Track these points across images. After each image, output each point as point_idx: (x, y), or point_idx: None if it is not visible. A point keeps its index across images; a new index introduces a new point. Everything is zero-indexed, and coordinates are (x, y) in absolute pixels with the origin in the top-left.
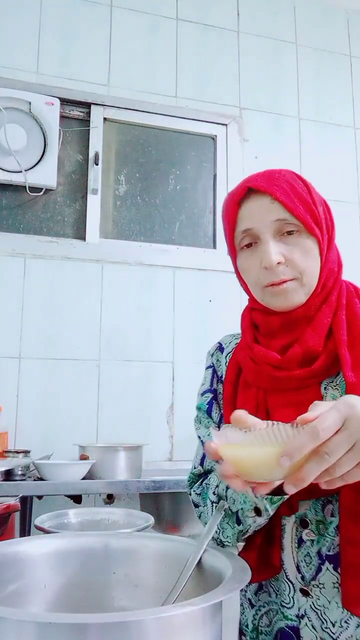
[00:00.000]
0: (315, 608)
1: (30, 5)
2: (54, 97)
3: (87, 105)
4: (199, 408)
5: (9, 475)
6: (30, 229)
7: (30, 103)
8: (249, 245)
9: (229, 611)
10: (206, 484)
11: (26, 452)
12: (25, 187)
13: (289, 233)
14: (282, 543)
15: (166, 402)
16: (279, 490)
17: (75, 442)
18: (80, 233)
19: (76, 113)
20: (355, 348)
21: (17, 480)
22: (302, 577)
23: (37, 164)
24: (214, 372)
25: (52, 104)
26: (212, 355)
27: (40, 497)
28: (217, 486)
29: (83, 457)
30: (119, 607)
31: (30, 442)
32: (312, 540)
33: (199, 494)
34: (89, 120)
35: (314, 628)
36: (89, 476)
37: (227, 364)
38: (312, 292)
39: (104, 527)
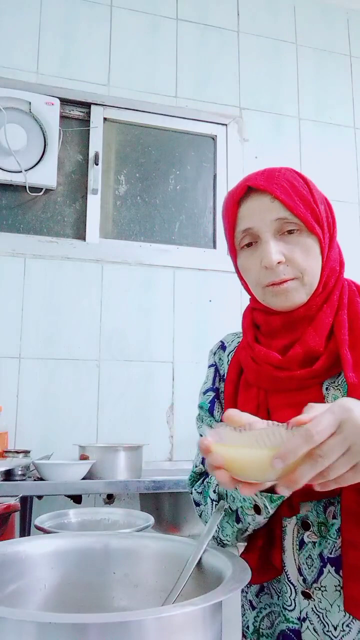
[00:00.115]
0: (317, 611)
1: (30, 5)
2: (54, 97)
3: (87, 105)
4: (200, 407)
5: (9, 475)
6: (30, 229)
7: (30, 103)
8: (249, 245)
9: (229, 611)
10: (207, 482)
11: (26, 452)
12: (25, 187)
13: (290, 232)
14: (283, 544)
15: (166, 402)
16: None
17: (75, 442)
18: (80, 233)
19: (76, 113)
20: (357, 348)
21: (17, 480)
22: (304, 580)
23: (37, 164)
24: (216, 370)
25: (52, 104)
26: (215, 353)
27: (40, 497)
28: (217, 484)
29: (83, 457)
30: (119, 607)
31: (30, 442)
32: (314, 542)
33: (200, 493)
34: (89, 120)
35: (315, 631)
36: (89, 476)
37: (229, 362)
38: (314, 292)
39: (104, 527)
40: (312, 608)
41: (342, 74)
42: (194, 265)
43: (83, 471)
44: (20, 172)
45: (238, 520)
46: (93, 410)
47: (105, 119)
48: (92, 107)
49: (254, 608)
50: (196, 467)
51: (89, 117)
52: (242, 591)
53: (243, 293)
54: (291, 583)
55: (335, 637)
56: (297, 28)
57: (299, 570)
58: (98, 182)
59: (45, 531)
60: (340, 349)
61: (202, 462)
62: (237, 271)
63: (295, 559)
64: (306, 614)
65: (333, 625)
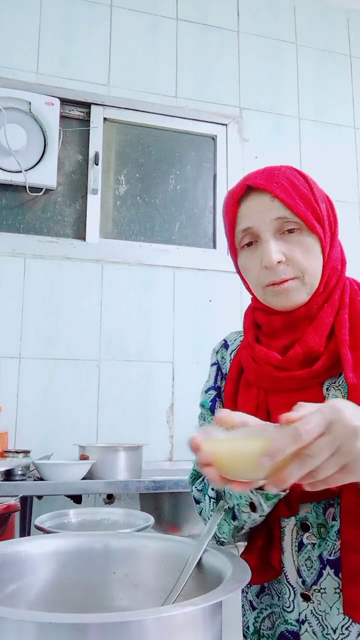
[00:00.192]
0: (316, 613)
1: (30, 5)
2: (54, 97)
3: (87, 105)
4: (202, 405)
5: (9, 475)
6: (30, 229)
7: (30, 103)
8: (249, 244)
9: (229, 611)
10: (207, 480)
11: (26, 452)
12: (25, 187)
13: (290, 231)
14: (282, 545)
15: (166, 402)
16: None
17: (75, 442)
18: (80, 233)
19: (76, 113)
20: (358, 348)
21: (17, 480)
22: (303, 582)
23: (37, 164)
24: (219, 369)
25: (52, 104)
26: (217, 352)
27: (40, 497)
28: None
29: (83, 457)
30: (119, 607)
31: (30, 442)
32: (314, 544)
33: (200, 490)
34: (89, 120)
35: (314, 634)
36: (89, 476)
37: (231, 361)
38: (315, 291)
39: (104, 527)
40: (311, 610)
41: (342, 74)
42: (194, 265)
43: (83, 471)
44: (20, 172)
45: (234, 517)
46: (93, 410)
47: (105, 119)
48: (92, 107)
49: (254, 609)
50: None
51: (89, 117)
52: (243, 591)
53: (243, 293)
54: (290, 585)
55: None
56: (297, 28)
57: (298, 572)
58: (98, 182)
59: (45, 531)
60: (341, 349)
61: None
62: (238, 271)
63: (294, 561)
64: (305, 616)
65: (332, 628)
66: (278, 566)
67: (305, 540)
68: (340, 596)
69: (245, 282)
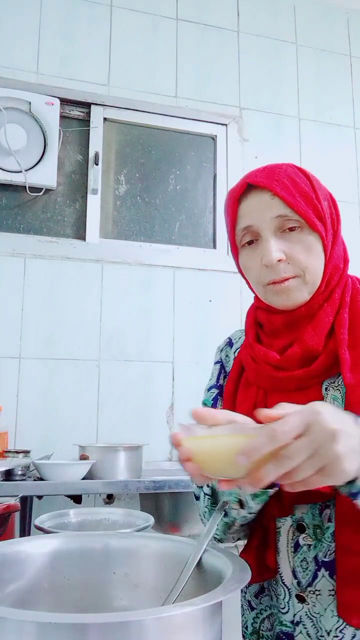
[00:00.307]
0: (311, 615)
1: (30, 5)
2: (54, 97)
3: (87, 105)
4: (204, 403)
5: (9, 475)
6: (30, 229)
7: (30, 103)
8: (250, 243)
9: (229, 611)
10: None
11: (26, 452)
12: (25, 187)
13: (291, 229)
14: (277, 546)
15: (166, 402)
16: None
17: (75, 442)
18: (80, 233)
19: (76, 113)
20: (357, 348)
21: (17, 480)
22: (298, 583)
23: (37, 164)
24: (222, 367)
25: (52, 104)
26: (222, 350)
27: (40, 497)
28: None
29: (83, 457)
30: (119, 607)
31: (30, 442)
32: (309, 545)
33: (200, 487)
34: (89, 120)
35: (308, 635)
36: (89, 476)
37: (234, 360)
38: (316, 290)
39: (104, 527)
40: (306, 612)
41: (342, 74)
42: (194, 265)
43: (83, 471)
44: (20, 172)
45: (225, 514)
46: (93, 410)
47: (105, 119)
48: (92, 107)
49: (252, 609)
50: None
51: (89, 117)
52: (241, 591)
53: (243, 293)
54: (285, 586)
55: None
56: (297, 28)
57: (294, 573)
58: (98, 182)
59: (45, 531)
60: (339, 348)
61: None
62: (240, 270)
63: (289, 562)
64: (300, 618)
65: (326, 631)
66: (273, 566)
67: (301, 541)
68: (334, 598)
69: (247, 281)
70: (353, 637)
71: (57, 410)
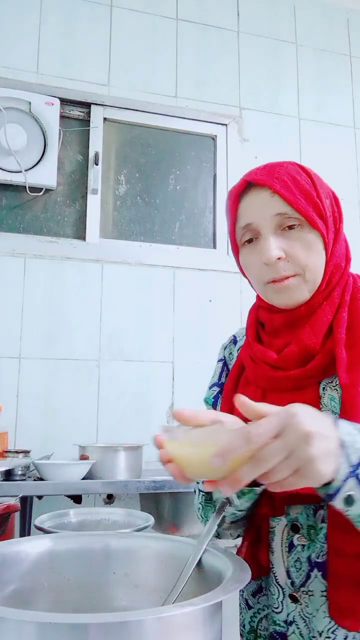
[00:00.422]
0: (304, 616)
1: (30, 5)
2: (54, 97)
3: (87, 105)
4: (205, 401)
5: (9, 475)
6: (30, 229)
7: (30, 103)
8: (250, 241)
9: (229, 611)
10: None
11: (26, 452)
12: (25, 187)
13: (291, 227)
14: (271, 545)
15: (166, 402)
16: (253, 484)
17: (75, 442)
18: (80, 233)
19: (76, 113)
20: (355, 348)
21: (17, 480)
22: (292, 583)
23: (37, 164)
24: (224, 365)
25: (52, 104)
26: (225, 348)
27: (40, 497)
28: None
29: (83, 457)
30: (119, 607)
31: (30, 442)
32: (303, 546)
33: (198, 483)
34: (89, 120)
35: (301, 636)
36: (89, 476)
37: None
38: (317, 289)
39: (104, 527)
40: (299, 612)
41: (342, 74)
42: (194, 265)
43: (83, 471)
44: (20, 172)
45: (212, 510)
46: (93, 410)
47: (105, 119)
48: (92, 107)
49: (250, 608)
50: None
51: (89, 117)
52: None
53: (243, 293)
54: (279, 585)
55: None
56: (297, 28)
57: (288, 573)
58: (98, 182)
59: (45, 531)
60: (336, 348)
61: None
62: (240, 269)
63: (284, 561)
64: (293, 618)
65: (318, 631)
66: (265, 563)
67: (295, 542)
68: (326, 599)
69: (249, 280)
70: (345, 638)
71: (57, 410)
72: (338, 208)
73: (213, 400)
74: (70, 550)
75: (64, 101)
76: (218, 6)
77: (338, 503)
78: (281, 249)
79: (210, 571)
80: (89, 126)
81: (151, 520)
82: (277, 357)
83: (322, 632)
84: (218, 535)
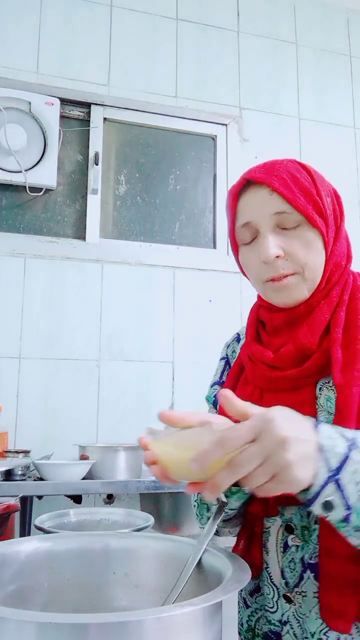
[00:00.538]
0: (298, 616)
1: (30, 6)
2: (54, 97)
3: (87, 105)
4: (207, 400)
5: (9, 475)
6: (30, 229)
7: (30, 103)
8: (249, 240)
9: (229, 611)
10: None
11: (26, 452)
12: (25, 187)
13: (290, 226)
14: (266, 545)
15: (166, 402)
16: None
17: (75, 442)
18: (80, 233)
19: (76, 113)
20: (351, 347)
21: (17, 480)
22: (286, 583)
23: (37, 164)
24: (227, 363)
25: (52, 104)
26: (228, 346)
27: (40, 497)
28: None
29: (83, 457)
30: (119, 607)
31: (30, 442)
32: (297, 546)
33: None
34: (89, 120)
35: (295, 636)
36: (89, 476)
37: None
38: (316, 287)
39: (104, 527)
40: (293, 612)
41: (342, 74)
42: (194, 265)
43: (83, 471)
44: (20, 172)
45: (208, 509)
46: (93, 410)
47: (105, 119)
48: (92, 107)
49: (248, 607)
50: None
51: (89, 117)
52: None
53: (243, 293)
54: (274, 585)
55: None
56: (297, 28)
57: (282, 573)
58: (98, 182)
59: (45, 531)
60: (332, 347)
61: None
62: (241, 268)
63: (278, 562)
64: (287, 618)
65: (310, 632)
66: (259, 563)
67: (289, 542)
68: (319, 600)
69: (249, 279)
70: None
71: (57, 410)
72: (339, 206)
73: (214, 398)
74: (70, 550)
75: (64, 101)
76: (218, 6)
77: (317, 508)
78: (280, 248)
79: (210, 571)
80: (89, 126)
81: (151, 520)
82: (273, 357)
83: (315, 633)
84: (217, 532)
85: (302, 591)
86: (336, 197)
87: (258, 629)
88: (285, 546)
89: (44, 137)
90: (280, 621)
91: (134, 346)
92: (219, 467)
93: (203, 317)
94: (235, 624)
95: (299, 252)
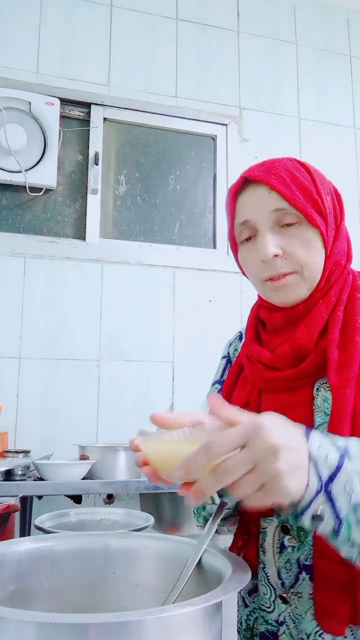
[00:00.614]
0: (294, 617)
1: (30, 6)
2: (54, 97)
3: (87, 105)
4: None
5: (9, 475)
6: (30, 229)
7: (30, 103)
8: (248, 239)
9: (229, 611)
10: None
11: (26, 452)
12: (25, 187)
13: (289, 224)
14: (263, 545)
15: (166, 402)
16: None
17: (75, 442)
18: (80, 233)
19: (76, 113)
20: (347, 348)
21: (17, 480)
22: (282, 584)
23: (37, 164)
24: (228, 362)
25: (52, 104)
26: (231, 344)
27: (40, 497)
28: None
29: (83, 457)
30: (119, 607)
31: (30, 442)
32: (294, 547)
33: None
34: (89, 120)
35: (291, 637)
36: (89, 476)
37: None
38: (316, 286)
39: (104, 527)
40: (289, 613)
41: (342, 74)
42: (194, 265)
43: (83, 471)
44: (20, 172)
45: (204, 507)
46: (93, 410)
47: (105, 119)
48: (92, 107)
49: (246, 606)
50: None
51: (89, 117)
52: None
53: (243, 293)
54: (271, 585)
55: None
56: (297, 28)
57: (279, 573)
58: (98, 182)
59: (45, 531)
60: (328, 347)
61: None
62: (240, 267)
63: (275, 562)
64: (284, 618)
65: (306, 633)
66: (254, 562)
67: (286, 543)
68: (314, 602)
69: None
70: None
71: (57, 410)
72: (340, 205)
73: None
74: (70, 550)
75: (64, 101)
76: (218, 6)
77: (306, 520)
78: (278, 246)
79: (210, 571)
80: (89, 126)
81: (151, 520)
82: (270, 356)
83: (310, 634)
84: (216, 531)
85: (298, 592)
86: (336, 196)
87: (256, 629)
88: (282, 547)
89: (44, 137)
90: (277, 621)
91: (134, 346)
92: (209, 470)
93: (203, 317)
94: (234, 624)
95: (298, 251)
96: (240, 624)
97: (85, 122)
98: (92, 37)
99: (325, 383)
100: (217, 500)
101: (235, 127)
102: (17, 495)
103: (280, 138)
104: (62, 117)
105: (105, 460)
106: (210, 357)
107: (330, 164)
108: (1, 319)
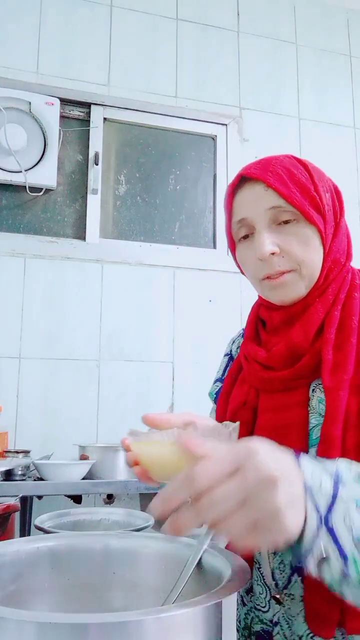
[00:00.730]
0: (287, 618)
1: (30, 6)
2: (54, 97)
3: (87, 105)
4: (209, 395)
5: (9, 475)
6: (30, 229)
7: (30, 103)
8: (245, 237)
9: (229, 611)
10: None
11: (26, 452)
12: (25, 187)
13: (286, 222)
14: None
15: (166, 402)
16: None
17: (75, 442)
18: (80, 233)
19: (76, 113)
20: (343, 349)
21: (17, 480)
22: (276, 584)
23: (37, 164)
24: (230, 359)
25: (52, 104)
26: (234, 342)
27: (40, 497)
28: None
29: (83, 457)
30: (119, 607)
31: (30, 442)
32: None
33: None
34: (89, 120)
35: (285, 637)
36: (89, 476)
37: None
38: (314, 285)
39: (104, 527)
40: (282, 614)
41: (342, 74)
42: (194, 265)
43: (83, 471)
44: (20, 172)
45: None
46: (93, 410)
47: (105, 119)
48: (92, 107)
49: (244, 605)
50: None
51: (89, 117)
52: None
53: (243, 293)
54: (266, 585)
55: None
56: (297, 28)
57: (273, 574)
58: (98, 182)
59: (45, 531)
60: (323, 348)
61: None
62: (238, 265)
63: (269, 562)
64: (278, 619)
65: (298, 635)
66: (249, 558)
67: None
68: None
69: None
70: None
71: (57, 410)
72: (339, 202)
73: (215, 395)
74: (70, 550)
75: (64, 101)
76: (218, 6)
77: (311, 565)
78: (275, 244)
79: (210, 571)
80: (89, 126)
81: (151, 520)
82: (265, 356)
83: (302, 636)
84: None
85: (290, 593)
86: (336, 193)
87: (252, 628)
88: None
89: (44, 137)
90: (271, 621)
91: (134, 346)
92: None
93: (203, 317)
94: (234, 624)
95: (295, 249)
96: (239, 622)
97: (85, 122)
98: (92, 37)
99: (321, 384)
100: None
101: (235, 127)
102: (17, 495)
103: (280, 138)
104: (62, 117)
105: (105, 460)
106: (211, 357)
107: (330, 164)
108: (1, 319)
